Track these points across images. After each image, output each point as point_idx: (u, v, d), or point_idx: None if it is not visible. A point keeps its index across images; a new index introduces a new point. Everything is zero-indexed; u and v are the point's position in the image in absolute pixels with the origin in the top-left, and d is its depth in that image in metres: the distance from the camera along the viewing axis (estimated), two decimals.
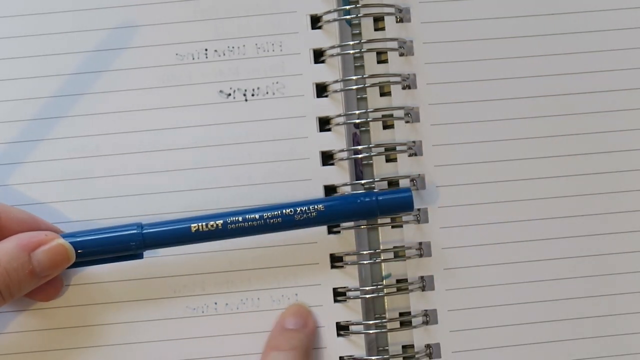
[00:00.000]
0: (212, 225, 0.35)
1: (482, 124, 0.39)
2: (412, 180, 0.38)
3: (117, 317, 0.37)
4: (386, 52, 0.39)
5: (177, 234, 0.35)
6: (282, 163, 0.38)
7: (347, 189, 0.38)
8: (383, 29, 0.39)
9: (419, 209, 0.38)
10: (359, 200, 0.36)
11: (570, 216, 0.39)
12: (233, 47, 0.39)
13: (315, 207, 0.35)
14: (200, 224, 0.35)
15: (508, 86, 0.39)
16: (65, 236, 0.35)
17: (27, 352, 0.37)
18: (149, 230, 0.35)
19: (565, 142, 0.39)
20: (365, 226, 0.38)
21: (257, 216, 0.35)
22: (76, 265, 0.35)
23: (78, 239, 0.35)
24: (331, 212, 0.35)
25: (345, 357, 0.38)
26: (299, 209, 0.35)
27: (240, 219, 0.35)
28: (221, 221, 0.35)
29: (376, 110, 0.39)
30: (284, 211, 0.35)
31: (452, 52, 0.39)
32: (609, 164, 0.39)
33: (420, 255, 0.38)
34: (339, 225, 0.38)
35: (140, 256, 0.36)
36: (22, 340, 0.37)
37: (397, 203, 0.36)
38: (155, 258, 0.37)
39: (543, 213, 0.38)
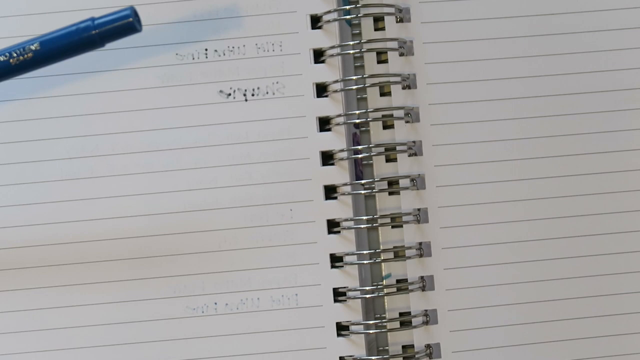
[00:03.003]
0: None
1: (482, 124, 0.39)
2: (412, 180, 0.38)
3: (117, 317, 0.37)
4: (386, 52, 0.39)
5: None
6: (282, 163, 0.38)
7: (347, 189, 0.38)
8: (383, 29, 0.39)
9: (419, 209, 0.38)
10: (75, 28, 0.32)
11: (570, 216, 0.39)
12: (233, 47, 0.39)
13: (31, 47, 0.31)
14: None
15: (508, 86, 0.39)
16: None
17: (23, 352, 0.37)
18: None
19: (565, 142, 0.39)
20: (365, 226, 0.38)
21: None
22: None
23: None
24: (50, 48, 0.32)
25: (345, 357, 0.38)
26: (13, 53, 0.31)
27: None
28: None
29: (376, 110, 0.39)
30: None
31: (452, 52, 0.39)
32: (609, 164, 0.39)
33: (420, 255, 0.38)
34: (339, 225, 0.38)
35: None
36: (22, 338, 0.37)
37: (116, 23, 0.32)
38: (156, 258, 0.37)
39: (543, 213, 0.38)
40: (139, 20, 0.33)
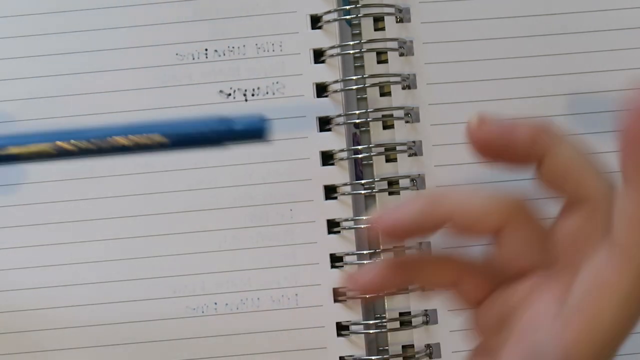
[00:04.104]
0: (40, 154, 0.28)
1: None
2: (412, 180, 0.38)
3: (116, 317, 0.37)
4: (386, 52, 0.39)
5: None
6: (282, 163, 0.38)
7: (347, 189, 0.38)
8: (383, 29, 0.39)
9: None
10: (208, 129, 0.30)
11: None
12: (233, 47, 0.39)
13: (157, 140, 0.28)
14: (19, 145, 0.28)
15: (508, 86, 0.39)
16: None
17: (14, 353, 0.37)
18: None
19: None
20: (365, 226, 0.38)
21: (93, 147, 0.28)
22: None
23: None
24: (175, 144, 0.29)
25: (345, 357, 0.38)
26: (141, 142, 0.28)
27: (72, 147, 0.28)
28: (49, 146, 0.28)
29: (376, 110, 0.39)
30: (116, 140, 0.28)
31: (452, 52, 0.39)
32: (611, 165, 0.39)
33: None
34: (339, 225, 0.38)
35: None
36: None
37: (249, 130, 0.30)
38: (156, 258, 0.38)
39: (543, 213, 0.38)
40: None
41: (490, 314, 0.26)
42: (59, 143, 0.28)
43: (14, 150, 0.28)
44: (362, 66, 0.39)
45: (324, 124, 0.39)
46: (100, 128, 0.28)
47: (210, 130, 0.29)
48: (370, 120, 0.39)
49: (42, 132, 0.28)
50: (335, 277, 0.38)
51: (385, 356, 0.38)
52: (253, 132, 0.29)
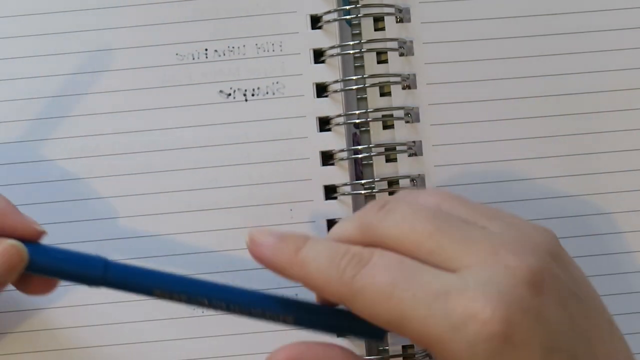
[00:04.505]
0: (176, 297, 0.32)
1: (482, 124, 0.39)
2: (412, 180, 0.38)
3: (116, 317, 0.37)
4: (386, 52, 0.39)
5: (138, 290, 0.32)
6: (282, 163, 0.38)
7: (347, 189, 0.38)
8: (383, 29, 0.39)
9: None
10: (330, 325, 0.33)
11: (571, 216, 0.39)
12: (233, 47, 0.39)
13: (285, 317, 0.32)
14: (163, 291, 0.32)
15: (508, 86, 0.39)
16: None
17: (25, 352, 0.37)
18: (111, 277, 0.32)
19: (566, 142, 0.39)
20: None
21: (224, 304, 0.32)
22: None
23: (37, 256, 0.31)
24: (298, 324, 0.33)
25: None
26: (267, 313, 0.32)
27: (206, 301, 0.32)
28: (186, 297, 0.32)
29: (376, 110, 0.39)
30: (252, 310, 0.32)
31: (452, 52, 0.39)
32: (610, 164, 0.39)
33: None
34: None
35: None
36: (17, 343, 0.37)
37: (369, 334, 0.33)
38: (156, 258, 0.37)
39: (543, 213, 0.38)
40: None
41: None
42: (199, 299, 0.32)
43: (157, 292, 0.31)
44: (362, 66, 0.39)
45: (324, 124, 0.39)
46: (240, 292, 0.32)
47: (333, 323, 0.32)
48: (370, 120, 0.39)
49: (186, 280, 0.32)
50: None
51: (385, 356, 0.38)
52: (370, 334, 0.32)
